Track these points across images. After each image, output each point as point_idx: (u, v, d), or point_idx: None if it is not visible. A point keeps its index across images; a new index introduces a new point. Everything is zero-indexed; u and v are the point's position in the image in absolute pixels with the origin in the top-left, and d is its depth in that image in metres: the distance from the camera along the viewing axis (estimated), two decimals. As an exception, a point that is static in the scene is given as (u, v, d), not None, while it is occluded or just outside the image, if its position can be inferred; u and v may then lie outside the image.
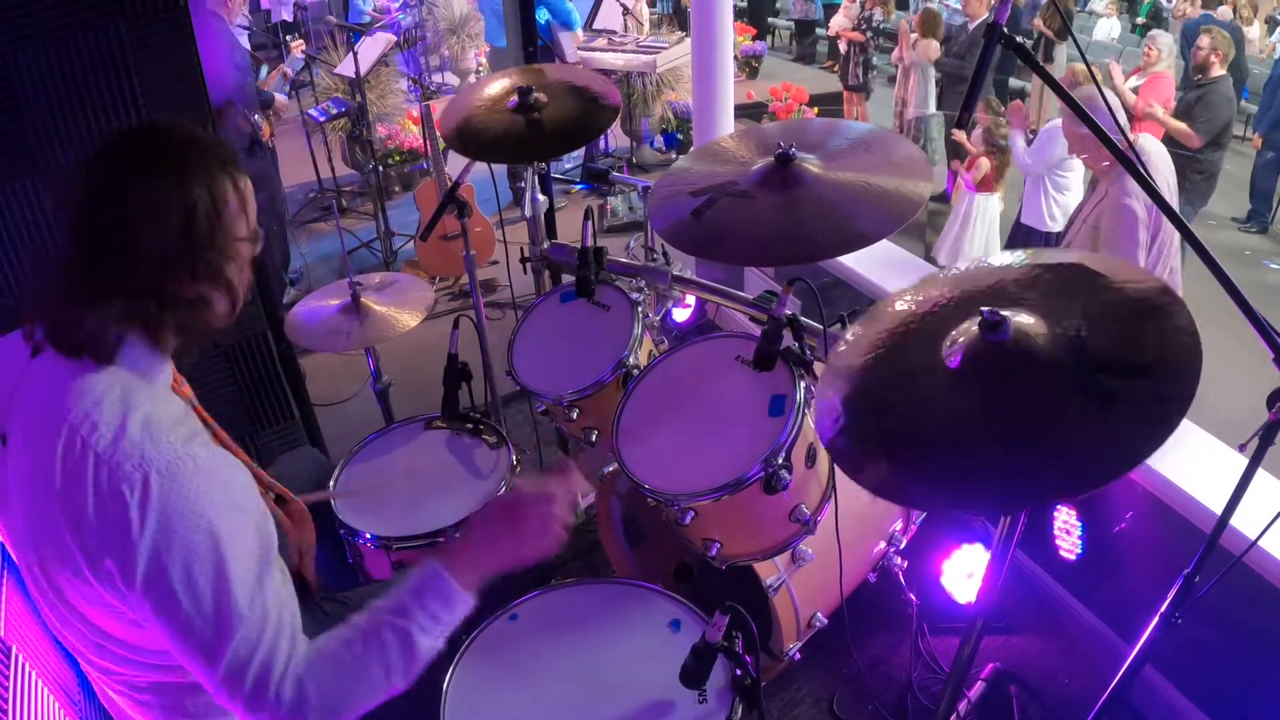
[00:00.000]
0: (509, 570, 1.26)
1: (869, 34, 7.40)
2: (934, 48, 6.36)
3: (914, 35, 6.39)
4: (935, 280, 1.33)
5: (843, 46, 7.60)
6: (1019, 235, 4.58)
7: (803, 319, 1.71)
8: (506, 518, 1.29)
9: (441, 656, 1.48)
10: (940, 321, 1.22)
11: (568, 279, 2.42)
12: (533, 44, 3.69)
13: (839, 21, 7.88)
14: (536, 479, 1.33)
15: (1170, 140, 5.01)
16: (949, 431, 1.10)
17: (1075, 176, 4.37)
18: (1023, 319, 1.13)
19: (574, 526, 1.30)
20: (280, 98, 4.67)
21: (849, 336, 1.32)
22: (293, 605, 1.16)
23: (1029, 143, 4.58)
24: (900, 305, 1.31)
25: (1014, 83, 7.48)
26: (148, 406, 1.10)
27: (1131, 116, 5.18)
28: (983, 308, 1.11)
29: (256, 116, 4.24)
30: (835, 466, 1.77)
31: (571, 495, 1.32)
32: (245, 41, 4.89)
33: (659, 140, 6.52)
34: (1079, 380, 1.06)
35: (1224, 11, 7.64)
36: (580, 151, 5.84)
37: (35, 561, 1.13)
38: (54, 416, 1.07)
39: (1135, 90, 5.40)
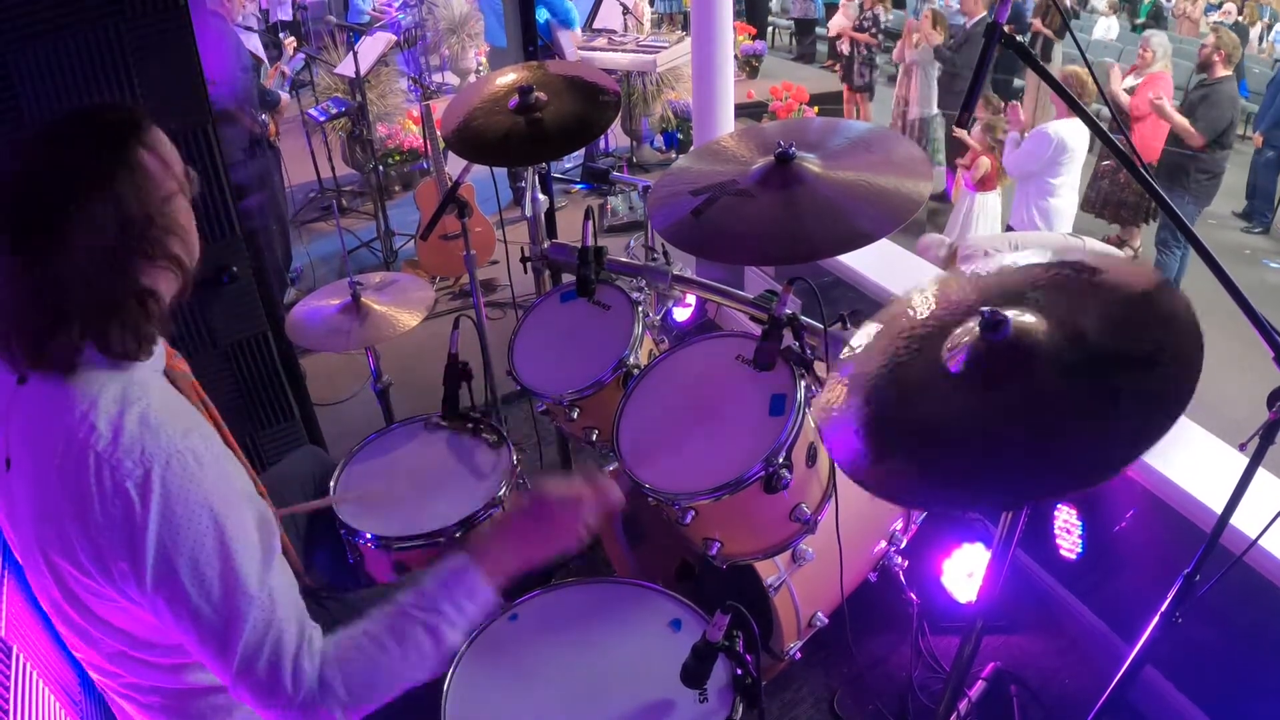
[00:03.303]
0: (530, 567, 1.29)
1: (877, 34, 7.37)
2: (935, 35, 6.32)
3: (916, 35, 6.36)
4: (925, 290, 1.32)
5: (845, 47, 7.54)
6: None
7: (803, 318, 1.71)
8: (537, 517, 1.33)
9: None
10: (940, 323, 1.22)
11: (568, 278, 2.42)
12: (533, 43, 3.70)
13: (839, 21, 7.86)
14: (565, 480, 1.36)
15: (1174, 139, 5.00)
16: (950, 431, 1.10)
17: (1064, 181, 4.34)
18: (1024, 318, 1.12)
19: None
20: (283, 97, 4.68)
21: (852, 344, 1.31)
22: (297, 595, 1.17)
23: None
24: (895, 312, 1.31)
25: (1017, 82, 7.47)
26: (144, 401, 1.09)
27: (1128, 118, 5.17)
28: (983, 308, 1.11)
29: (264, 117, 4.25)
30: (835, 466, 1.77)
31: (605, 501, 1.37)
32: (255, 42, 4.89)
33: (659, 140, 6.51)
34: (1081, 375, 1.05)
35: (1229, 8, 7.67)
36: (580, 151, 5.84)
37: (50, 576, 1.12)
38: (52, 428, 1.06)
39: (1130, 90, 5.39)
